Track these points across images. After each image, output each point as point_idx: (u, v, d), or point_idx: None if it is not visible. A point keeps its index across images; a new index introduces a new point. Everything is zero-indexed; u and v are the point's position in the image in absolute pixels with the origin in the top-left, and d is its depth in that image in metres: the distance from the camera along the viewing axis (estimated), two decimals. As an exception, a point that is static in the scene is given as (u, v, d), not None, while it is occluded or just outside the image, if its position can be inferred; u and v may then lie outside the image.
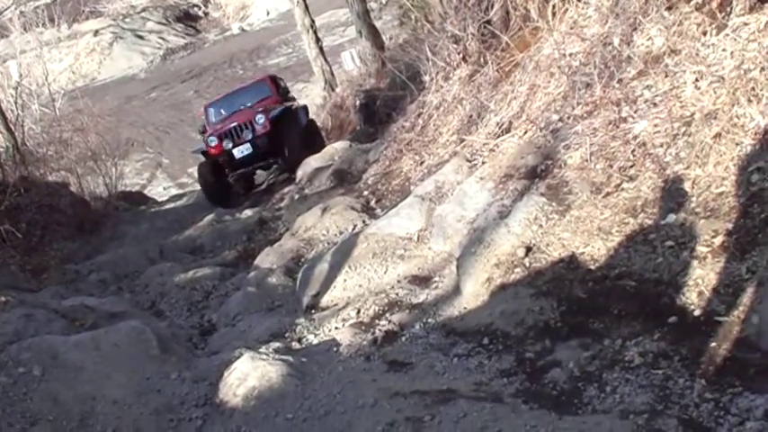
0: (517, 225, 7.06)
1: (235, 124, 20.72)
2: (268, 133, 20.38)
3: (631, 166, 6.80)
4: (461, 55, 11.78)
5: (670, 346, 5.04)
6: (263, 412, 5.88)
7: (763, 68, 6.10)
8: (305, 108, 24.61)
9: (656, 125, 6.81)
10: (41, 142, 23.16)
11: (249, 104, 22.32)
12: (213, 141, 20.72)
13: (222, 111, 22.88)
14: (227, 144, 20.45)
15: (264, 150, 20.58)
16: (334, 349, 6.92)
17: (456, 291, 7.22)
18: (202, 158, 21.80)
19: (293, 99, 25.02)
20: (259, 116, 20.47)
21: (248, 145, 20.40)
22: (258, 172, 22.82)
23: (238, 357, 6.74)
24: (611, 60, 8.03)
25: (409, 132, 13.06)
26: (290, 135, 20.74)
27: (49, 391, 6.67)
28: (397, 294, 7.84)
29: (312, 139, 21.84)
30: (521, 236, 6.95)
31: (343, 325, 7.60)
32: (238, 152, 20.44)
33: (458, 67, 11.89)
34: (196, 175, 23.21)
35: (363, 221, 10.80)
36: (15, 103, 22.25)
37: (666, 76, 7.13)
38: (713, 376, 4.60)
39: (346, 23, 41.11)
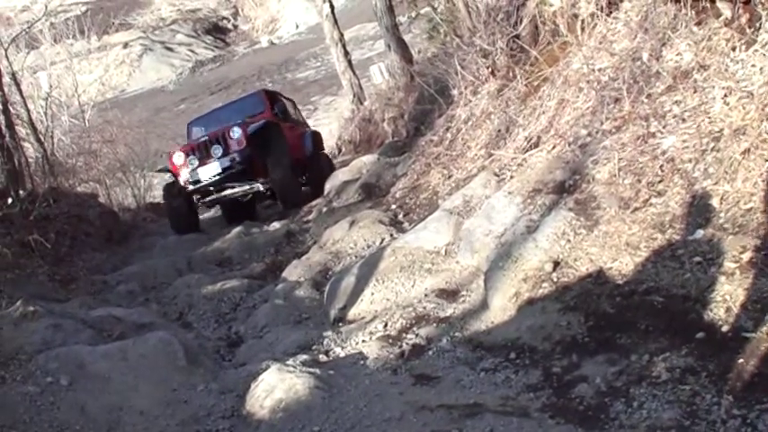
0: (545, 240, 7.05)
1: (205, 138, 17.66)
2: (243, 150, 17.11)
3: (660, 182, 6.79)
4: (490, 69, 11.79)
5: (697, 361, 5.02)
6: (290, 424, 5.89)
7: (792, 84, 6.09)
8: (314, 135, 21.62)
9: (684, 141, 6.80)
10: (71, 153, 23.30)
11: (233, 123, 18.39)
12: (179, 159, 17.63)
13: (205, 128, 19.76)
14: (192, 162, 17.36)
15: (239, 171, 17.28)
16: (361, 362, 6.93)
17: (483, 305, 7.22)
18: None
19: (303, 124, 22.55)
20: (234, 129, 17.24)
21: (216, 164, 17.12)
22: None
23: (265, 369, 6.76)
24: (640, 75, 8.02)
25: (437, 146, 13.06)
26: (276, 154, 17.33)
27: (77, 400, 6.72)
28: (424, 308, 7.84)
29: (317, 173, 19.24)
30: (548, 251, 6.94)
31: (371, 338, 7.61)
32: (204, 172, 17.22)
33: (486, 82, 11.89)
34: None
35: (391, 235, 10.79)
36: (45, 114, 22.42)
37: (695, 92, 7.11)
38: (741, 392, 4.58)
39: (375, 37, 41.29)
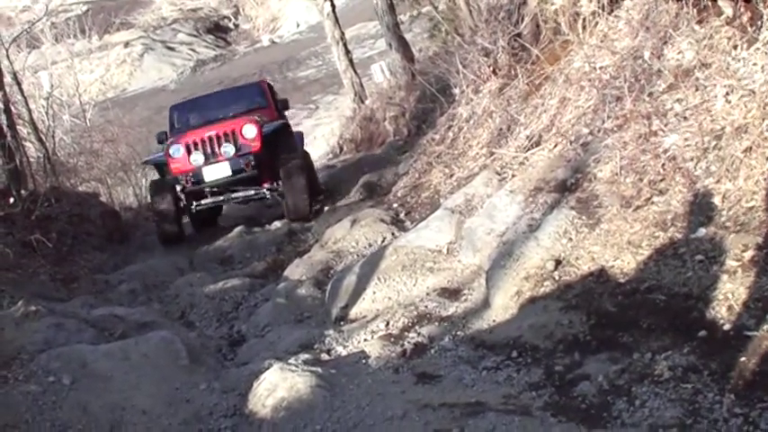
0: (547, 238, 7.05)
1: (212, 133, 15.15)
2: (257, 152, 15.00)
3: (661, 180, 6.78)
4: (491, 68, 11.79)
5: (699, 360, 5.02)
6: (292, 423, 5.88)
7: (794, 83, 6.09)
8: (300, 135, 19.05)
9: (686, 139, 6.80)
10: (72, 153, 23.30)
11: (232, 114, 16.50)
12: (177, 152, 15.21)
13: (195, 116, 17.36)
14: (197, 159, 15.01)
15: (249, 176, 15.18)
16: (363, 361, 6.92)
17: (485, 304, 7.22)
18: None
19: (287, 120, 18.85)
20: (248, 127, 15.08)
21: (227, 165, 14.90)
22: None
23: (267, 368, 6.73)
24: (642, 74, 8.02)
25: (439, 145, 13.07)
26: (289, 164, 15.16)
27: (79, 400, 6.69)
28: (426, 307, 7.83)
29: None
30: (550, 249, 6.94)
31: (372, 337, 7.60)
32: (210, 173, 14.99)
33: (488, 80, 11.89)
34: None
35: (393, 234, 10.81)
36: (47, 113, 22.39)
37: (697, 90, 7.11)
38: (743, 391, 4.57)
39: (376, 36, 41.08)
